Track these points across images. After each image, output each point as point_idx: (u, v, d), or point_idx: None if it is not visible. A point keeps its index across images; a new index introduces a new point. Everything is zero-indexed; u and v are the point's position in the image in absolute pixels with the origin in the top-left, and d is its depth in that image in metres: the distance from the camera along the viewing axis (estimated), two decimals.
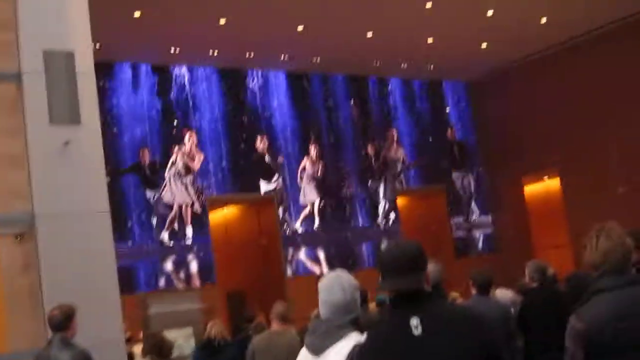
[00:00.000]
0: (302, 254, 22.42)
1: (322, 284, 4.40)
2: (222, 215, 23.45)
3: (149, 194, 20.21)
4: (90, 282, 9.89)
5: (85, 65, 10.47)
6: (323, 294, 4.36)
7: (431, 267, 6.61)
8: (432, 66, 24.35)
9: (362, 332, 4.26)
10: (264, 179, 22.03)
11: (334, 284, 4.28)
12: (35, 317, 9.87)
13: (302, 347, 4.47)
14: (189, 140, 20.95)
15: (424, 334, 3.92)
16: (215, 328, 11.60)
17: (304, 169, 22.80)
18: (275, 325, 8.89)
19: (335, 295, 4.25)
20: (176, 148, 20.74)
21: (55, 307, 8.24)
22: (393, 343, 3.98)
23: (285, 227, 22.15)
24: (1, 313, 10.58)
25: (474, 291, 8.71)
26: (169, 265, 20.11)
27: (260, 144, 22.10)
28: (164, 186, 20.42)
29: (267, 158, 22.10)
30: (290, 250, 22.17)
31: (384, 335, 4.08)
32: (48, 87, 10.05)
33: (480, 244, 26.25)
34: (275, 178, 22.19)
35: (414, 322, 3.94)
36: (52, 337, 8.13)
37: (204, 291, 19.05)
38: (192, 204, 20.68)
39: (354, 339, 4.19)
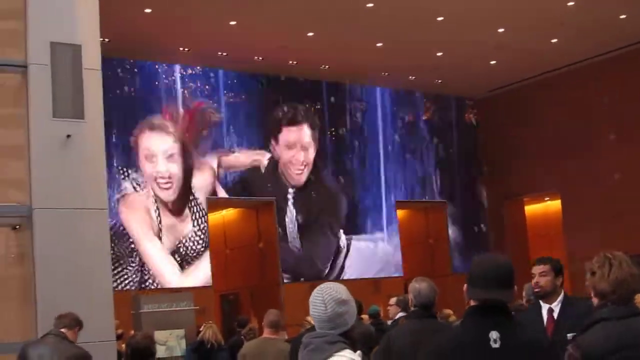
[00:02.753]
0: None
1: (310, 299, 4.35)
2: (221, 217, 23.42)
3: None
4: (84, 277, 9.85)
5: (92, 60, 10.41)
6: (310, 308, 4.32)
7: (425, 286, 6.59)
8: (439, 80, 24.30)
9: (355, 345, 4.19)
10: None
11: (317, 298, 4.21)
12: (26, 309, 9.82)
13: (291, 355, 4.42)
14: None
15: (501, 348, 4.02)
16: (209, 331, 11.58)
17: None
18: (266, 333, 8.86)
19: (318, 310, 4.18)
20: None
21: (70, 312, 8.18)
22: (468, 351, 4.08)
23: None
24: None
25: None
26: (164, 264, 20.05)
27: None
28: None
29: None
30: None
31: (457, 340, 4.18)
32: (53, 79, 9.99)
33: None
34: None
35: (494, 335, 4.04)
36: (52, 330, 8.03)
37: (198, 292, 18.97)
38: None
39: (345, 356, 4.11)
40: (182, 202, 20.45)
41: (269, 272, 22.12)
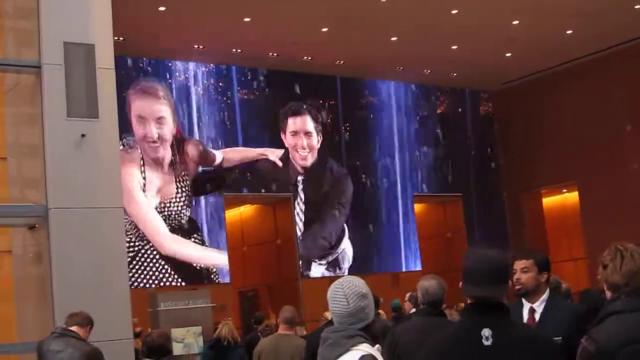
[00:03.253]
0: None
1: (328, 293, 4.31)
2: (238, 214, 23.44)
3: None
4: (101, 276, 9.87)
5: (105, 60, 10.43)
6: (329, 303, 4.28)
7: (434, 283, 6.56)
8: (454, 73, 24.25)
9: (374, 340, 4.18)
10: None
11: (337, 293, 4.18)
12: (44, 308, 9.86)
13: (306, 351, 4.41)
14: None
15: (493, 346, 3.98)
16: (226, 328, 11.59)
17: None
18: (282, 329, 8.89)
19: (339, 305, 4.15)
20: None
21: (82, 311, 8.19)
22: (461, 349, 4.05)
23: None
24: (11, 301, 10.61)
25: None
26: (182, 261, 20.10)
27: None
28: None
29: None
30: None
31: (453, 339, 4.15)
32: (67, 79, 10.01)
33: None
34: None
35: (486, 332, 3.99)
36: (61, 328, 8.05)
37: (216, 289, 19.00)
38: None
39: (363, 350, 4.10)
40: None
41: (287, 269, 22.14)
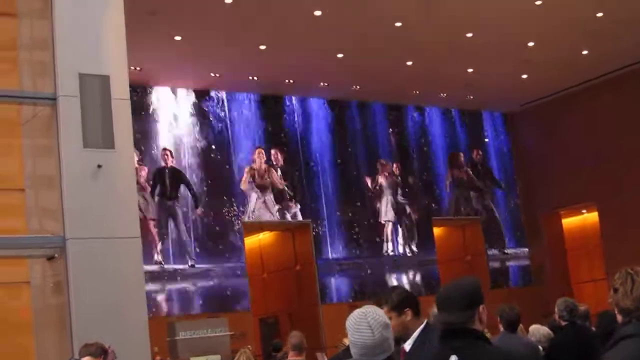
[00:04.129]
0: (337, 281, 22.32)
1: (349, 324, 4.21)
2: (257, 240, 23.45)
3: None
4: (119, 306, 9.87)
5: (121, 91, 10.47)
6: (351, 335, 4.21)
7: None
8: (471, 96, 24.24)
9: None
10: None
11: (361, 324, 4.11)
12: (63, 338, 9.87)
13: None
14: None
15: None
16: (243, 357, 11.56)
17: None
18: (291, 356, 8.93)
19: (364, 336, 4.07)
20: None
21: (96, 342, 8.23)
22: None
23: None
24: (29, 333, 10.62)
25: (501, 328, 8.53)
26: (202, 290, 20.13)
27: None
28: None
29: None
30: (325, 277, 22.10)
31: None
32: (83, 110, 10.05)
33: (516, 276, 26.01)
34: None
35: (453, 358, 4.01)
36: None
37: (236, 316, 19.00)
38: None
39: None
40: None
41: (306, 294, 22.11)
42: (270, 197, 21.59)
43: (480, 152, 26.02)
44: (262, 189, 21.49)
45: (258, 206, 21.35)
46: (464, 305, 4.13)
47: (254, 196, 21.32)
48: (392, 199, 23.71)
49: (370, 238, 23.10)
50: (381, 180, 23.65)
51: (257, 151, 21.59)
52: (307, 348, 9.26)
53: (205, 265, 20.28)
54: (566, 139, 24.68)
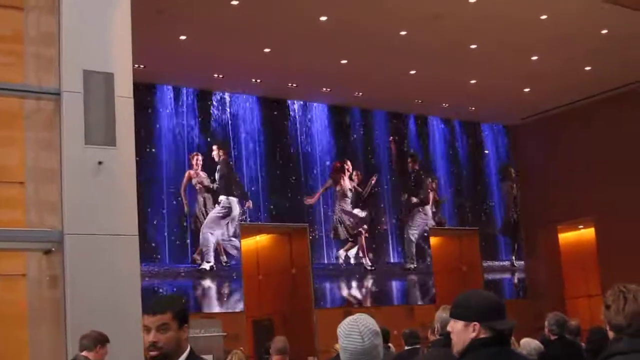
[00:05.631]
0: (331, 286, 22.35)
1: (340, 330, 4.31)
2: (254, 243, 23.48)
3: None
4: (114, 302, 9.90)
5: (124, 88, 10.51)
6: (341, 341, 4.29)
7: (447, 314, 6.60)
8: (473, 107, 24.31)
9: None
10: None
11: (352, 331, 4.19)
12: (57, 332, 9.90)
13: None
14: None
15: None
16: (235, 357, 11.59)
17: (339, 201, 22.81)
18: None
19: (354, 343, 4.15)
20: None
21: (92, 330, 8.27)
22: None
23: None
24: (24, 326, 10.65)
25: None
26: (196, 290, 20.15)
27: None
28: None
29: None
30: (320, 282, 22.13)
31: None
32: (86, 107, 10.10)
33: (511, 289, 26.05)
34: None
35: None
36: (75, 356, 8.14)
37: (229, 318, 19.02)
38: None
39: None
40: None
41: (301, 298, 22.14)
42: None
43: (479, 164, 26.08)
44: None
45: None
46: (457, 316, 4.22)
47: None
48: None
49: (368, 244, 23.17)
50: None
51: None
52: (299, 352, 9.34)
53: (201, 265, 20.31)
54: (566, 153, 24.76)
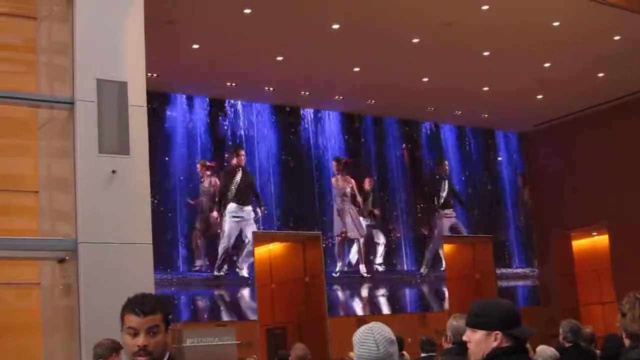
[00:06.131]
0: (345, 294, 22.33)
1: (355, 338, 4.33)
2: (267, 251, 23.47)
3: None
4: None
5: (138, 97, 10.53)
6: (356, 349, 4.29)
7: (463, 323, 6.59)
8: (486, 114, 24.28)
9: None
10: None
11: (367, 339, 4.19)
12: (71, 341, 9.91)
13: None
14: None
15: None
16: None
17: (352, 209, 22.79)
18: None
19: (368, 350, 4.16)
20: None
21: (106, 338, 8.26)
22: None
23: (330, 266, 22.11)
24: (38, 334, 10.67)
25: None
26: (210, 298, 20.16)
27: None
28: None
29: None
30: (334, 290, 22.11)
31: None
32: (99, 116, 10.13)
33: (525, 296, 25.98)
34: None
35: None
36: None
37: (243, 326, 19.00)
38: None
39: None
40: None
41: (315, 306, 22.11)
42: None
43: (492, 171, 26.05)
44: None
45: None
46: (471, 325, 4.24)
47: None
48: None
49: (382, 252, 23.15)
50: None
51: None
52: None
53: (215, 273, 20.31)
54: (579, 160, 24.70)
